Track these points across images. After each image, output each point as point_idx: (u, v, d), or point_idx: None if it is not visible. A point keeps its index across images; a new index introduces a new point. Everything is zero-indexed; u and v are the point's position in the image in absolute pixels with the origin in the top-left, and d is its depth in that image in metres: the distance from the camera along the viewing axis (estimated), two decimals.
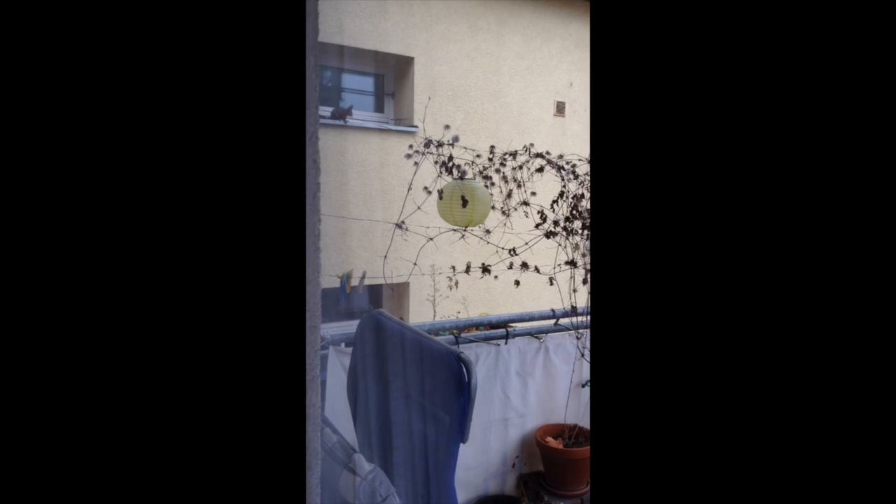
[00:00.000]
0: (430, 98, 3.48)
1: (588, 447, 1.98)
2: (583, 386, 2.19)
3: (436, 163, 1.94)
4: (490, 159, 2.07)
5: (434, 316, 2.56)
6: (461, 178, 1.94)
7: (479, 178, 2.03)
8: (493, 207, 2.05)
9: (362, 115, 3.81)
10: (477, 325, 2.12)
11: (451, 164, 1.93)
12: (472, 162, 2.03)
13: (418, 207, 2.00)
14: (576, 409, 2.19)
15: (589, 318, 2.14)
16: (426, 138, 1.97)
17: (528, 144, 2.07)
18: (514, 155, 2.05)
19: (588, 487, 1.99)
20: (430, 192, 1.91)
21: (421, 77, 3.68)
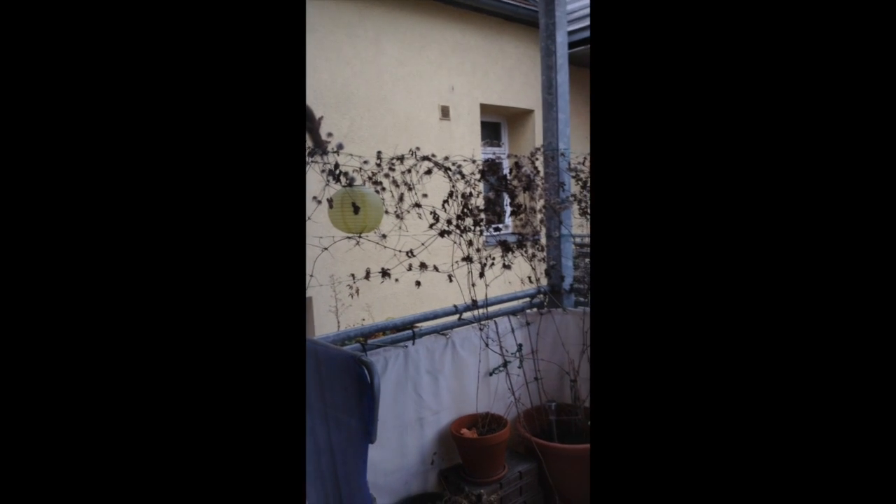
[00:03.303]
0: (310, 107, 3.41)
1: (501, 432, 2.07)
2: (490, 374, 2.29)
3: (322, 171, 1.92)
4: (378, 165, 2.08)
5: (338, 326, 2.52)
6: (350, 185, 1.93)
7: (368, 184, 2.04)
8: (386, 212, 2.06)
9: None
10: (383, 330, 2.12)
11: (338, 172, 1.92)
12: (360, 168, 2.03)
13: (308, 218, 1.96)
14: (486, 398, 2.27)
15: (488, 309, 2.23)
16: (310, 147, 1.93)
17: (413, 148, 2.12)
18: (401, 159, 2.08)
19: (506, 471, 2.08)
20: (319, 202, 1.88)
21: None
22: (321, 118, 1.98)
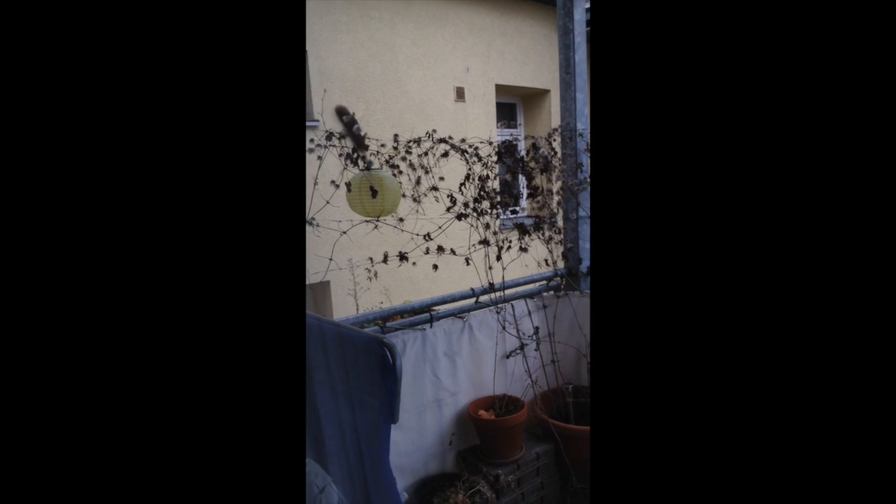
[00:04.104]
0: (325, 91, 3.40)
1: (518, 413, 2.08)
2: (507, 357, 2.30)
3: (340, 155, 1.92)
4: (395, 148, 2.08)
5: (357, 309, 2.55)
6: (368, 168, 1.93)
7: (385, 168, 2.04)
8: (403, 195, 2.06)
9: None
10: (401, 313, 2.14)
11: (356, 156, 1.92)
12: (377, 152, 2.03)
13: (327, 202, 1.97)
14: (503, 380, 2.29)
15: (505, 292, 2.24)
16: (327, 131, 1.94)
17: (430, 131, 2.11)
18: (417, 142, 2.07)
19: (523, 452, 2.11)
20: (337, 186, 1.89)
21: (315, 70, 3.58)
22: (354, 116, 1.98)
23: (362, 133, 1.94)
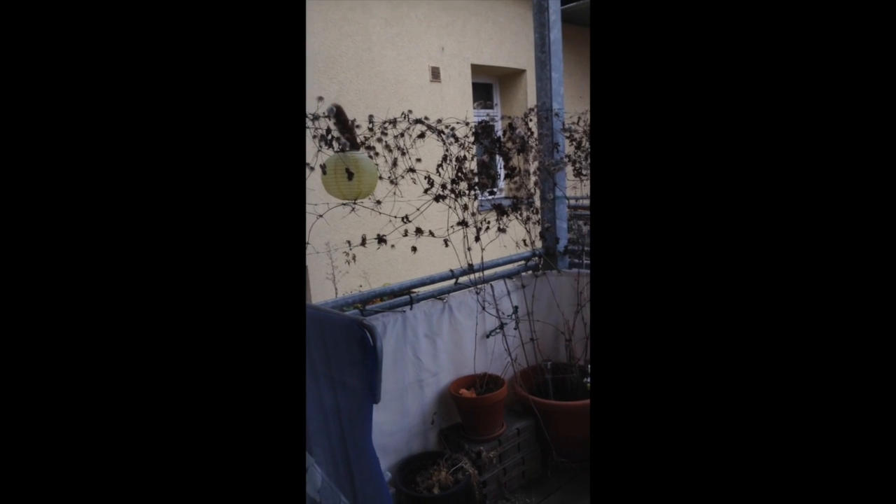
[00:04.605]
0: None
1: (498, 391, 2.12)
2: (487, 336, 2.33)
3: (314, 137, 1.88)
4: (370, 129, 2.05)
5: (336, 293, 2.54)
6: (343, 150, 1.90)
7: (361, 149, 2.01)
8: (380, 177, 2.04)
9: None
10: (380, 296, 2.14)
11: (329, 137, 1.89)
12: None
13: None
14: (483, 359, 2.32)
15: (484, 273, 2.25)
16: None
17: (406, 111, 2.08)
18: (393, 123, 2.05)
19: (504, 428, 2.15)
20: (312, 168, 1.86)
21: None
22: (354, 121, 1.95)
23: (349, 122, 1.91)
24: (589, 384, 2.28)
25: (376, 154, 2.06)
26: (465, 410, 2.15)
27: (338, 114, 1.87)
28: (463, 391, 2.17)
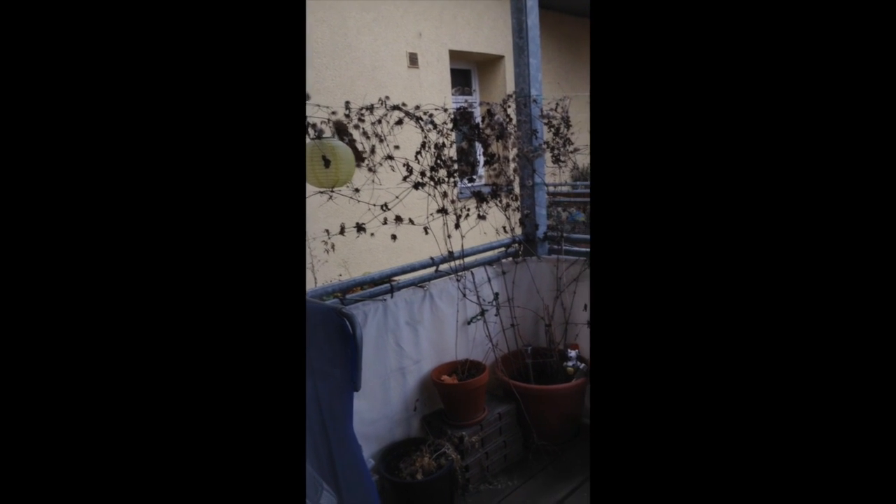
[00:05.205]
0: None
1: (480, 376, 2.14)
2: (468, 323, 2.34)
3: None
4: (347, 115, 2.02)
5: (315, 282, 2.51)
6: (319, 137, 1.87)
7: (338, 136, 1.98)
8: (357, 164, 2.02)
9: None
10: (360, 285, 2.13)
11: (305, 124, 1.85)
12: (328, 120, 1.96)
13: None
14: (465, 346, 2.34)
15: (464, 260, 2.26)
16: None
17: (383, 97, 2.06)
18: (370, 109, 2.02)
19: (486, 413, 2.17)
20: None
21: None
22: (354, 140, 1.92)
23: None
24: (569, 368, 2.32)
25: (353, 141, 2.03)
26: (447, 396, 2.17)
27: (339, 130, 1.84)
28: (445, 378, 2.18)
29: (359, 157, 1.91)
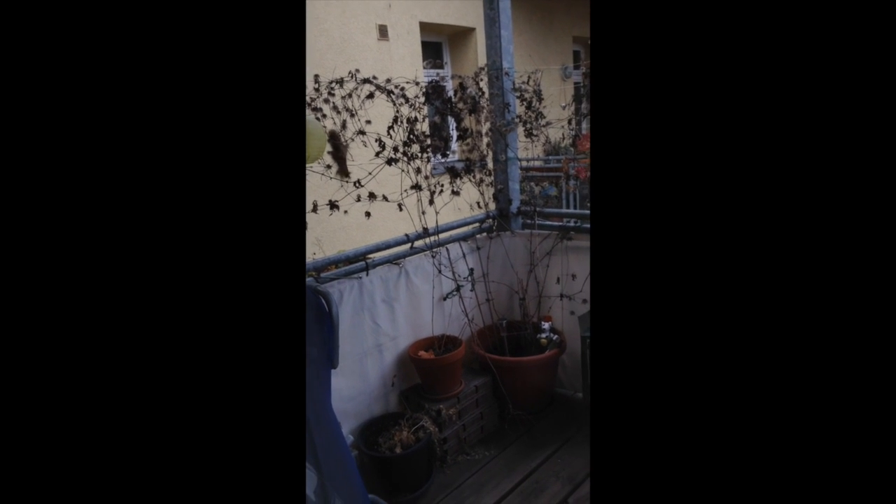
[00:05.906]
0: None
1: (456, 351, 2.17)
2: (444, 299, 2.36)
3: None
4: (316, 89, 1.97)
5: None
6: None
7: (308, 111, 1.93)
8: (328, 140, 1.98)
9: None
10: (335, 263, 2.11)
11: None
12: None
13: None
14: (441, 321, 2.36)
15: (439, 236, 2.26)
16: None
17: (353, 71, 2.01)
18: (340, 83, 1.97)
19: (462, 386, 2.21)
20: None
21: None
22: (347, 146, 1.86)
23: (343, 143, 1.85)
24: (542, 339, 2.37)
25: (324, 116, 1.98)
26: (424, 371, 2.19)
27: (332, 139, 1.79)
28: (422, 353, 2.20)
29: (343, 172, 1.88)
